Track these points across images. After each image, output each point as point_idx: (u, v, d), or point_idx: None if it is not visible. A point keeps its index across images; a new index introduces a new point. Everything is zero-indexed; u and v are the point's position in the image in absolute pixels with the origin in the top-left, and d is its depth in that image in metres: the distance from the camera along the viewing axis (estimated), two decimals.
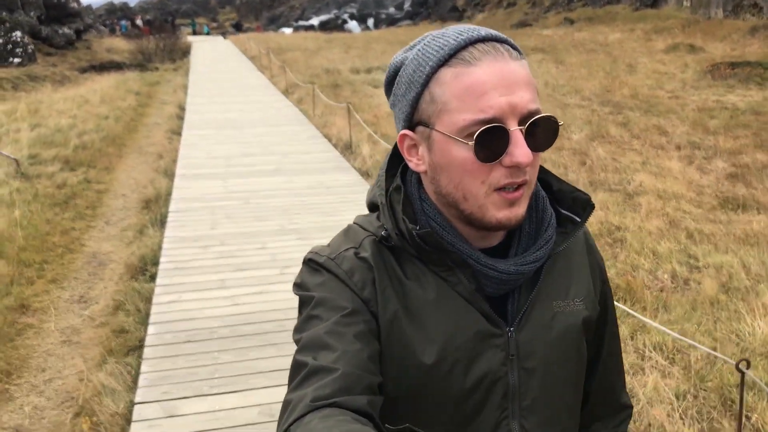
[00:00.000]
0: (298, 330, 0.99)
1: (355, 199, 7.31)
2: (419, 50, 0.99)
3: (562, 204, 1.10)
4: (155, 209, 7.09)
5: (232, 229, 6.28)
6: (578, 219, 1.08)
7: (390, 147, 7.47)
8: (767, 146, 9.36)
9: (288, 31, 63.06)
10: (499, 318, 1.03)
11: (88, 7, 48.63)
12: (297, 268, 5.26)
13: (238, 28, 64.53)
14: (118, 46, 35.70)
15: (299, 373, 0.91)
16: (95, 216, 7.41)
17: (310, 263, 1.05)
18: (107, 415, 3.48)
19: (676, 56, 21.14)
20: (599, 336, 1.19)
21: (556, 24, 39.72)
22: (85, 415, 3.59)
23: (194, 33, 56.46)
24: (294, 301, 4.13)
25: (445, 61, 0.94)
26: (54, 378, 4.23)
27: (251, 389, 3.63)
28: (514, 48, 0.97)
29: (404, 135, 1.02)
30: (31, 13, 31.65)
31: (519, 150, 0.92)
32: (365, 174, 8.55)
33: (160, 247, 5.83)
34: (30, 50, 26.56)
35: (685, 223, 6.58)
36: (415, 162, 1.02)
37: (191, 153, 9.71)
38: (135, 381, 3.81)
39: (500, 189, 0.95)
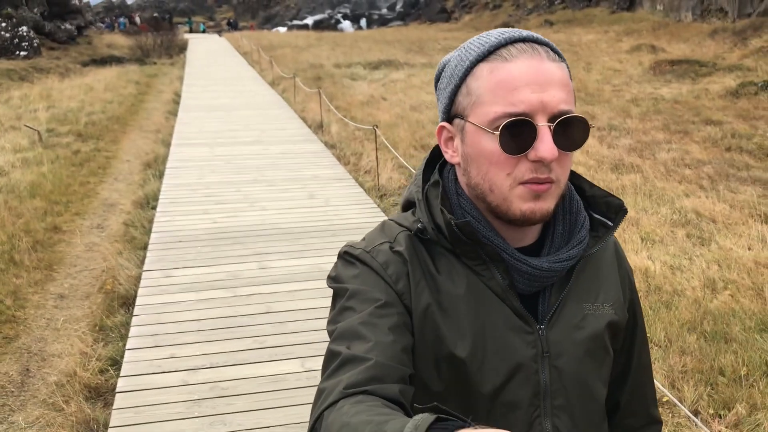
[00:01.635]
0: (332, 321, 1.02)
1: (317, 161, 9.07)
2: (464, 48, 1.03)
3: (594, 208, 1.12)
4: (155, 167, 8.82)
5: (215, 179, 8.02)
6: (611, 223, 1.09)
7: (357, 126, 9.33)
8: (669, 128, 11.13)
9: (282, 29, 64.72)
10: (530, 316, 1.05)
11: (87, 5, 50.28)
12: (263, 203, 7.02)
13: (234, 26, 66.04)
14: (118, 41, 37.33)
15: (333, 362, 0.93)
16: (106, 174, 9.12)
17: (345, 256, 1.07)
18: (124, 277, 5.21)
19: (636, 56, 22.87)
20: (629, 345, 1.20)
21: (537, 25, 41.39)
22: (109, 278, 5.31)
23: (191, 31, 58.22)
24: (258, 218, 6.07)
25: (484, 57, 0.99)
26: (83, 270, 5.94)
27: (221, 264, 5.38)
28: (555, 51, 1.00)
29: (442, 127, 1.06)
30: (35, 10, 33.15)
31: (544, 145, 0.94)
32: (331, 146, 10.28)
33: (159, 190, 7.56)
34: (35, 44, 28.15)
35: None
36: (451, 153, 1.06)
37: (185, 129, 11.46)
38: (142, 262, 5.55)
39: (525, 183, 0.97)
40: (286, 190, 7.53)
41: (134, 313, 4.58)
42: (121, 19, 60.11)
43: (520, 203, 0.98)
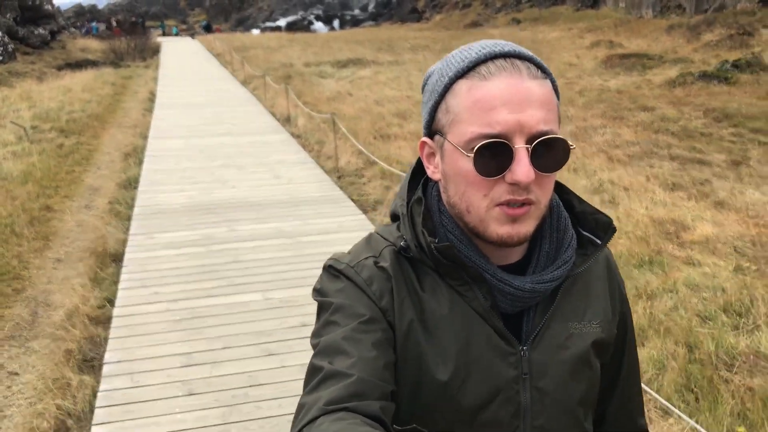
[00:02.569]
0: (315, 335, 1.01)
1: (283, 149, 10.00)
2: (445, 61, 1.02)
3: (583, 225, 1.11)
4: (134, 156, 9.68)
5: (190, 165, 8.92)
6: (599, 241, 1.08)
7: (321, 115, 10.38)
8: (606, 115, 12.20)
9: (256, 32, 65.35)
10: (513, 336, 1.04)
11: (58, 9, 50.63)
12: (233, 183, 7.93)
13: (208, 29, 66.45)
14: (91, 46, 37.82)
15: (315, 377, 0.93)
16: (89, 164, 9.96)
17: (330, 270, 1.07)
18: (113, 240, 6.10)
19: (595, 51, 24.01)
20: (618, 358, 1.20)
21: (504, 24, 42.57)
22: (100, 242, 6.20)
23: (164, 34, 58.80)
24: (229, 194, 7.15)
25: (463, 73, 0.98)
26: (75, 240, 6.80)
27: (196, 229, 6.31)
28: (539, 67, 0.99)
29: (423, 142, 1.07)
30: (8, 15, 33.57)
31: (520, 168, 0.93)
32: (297, 136, 11.20)
33: (139, 174, 8.44)
34: (10, 49, 28.69)
35: None
36: (432, 169, 1.06)
37: (161, 124, 12.33)
38: (128, 229, 6.44)
39: (502, 204, 0.96)
40: (254, 172, 8.45)
41: (123, 265, 5.49)
42: (93, 24, 60.40)
43: (497, 226, 0.98)
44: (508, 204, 0.96)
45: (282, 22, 76.02)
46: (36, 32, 34.58)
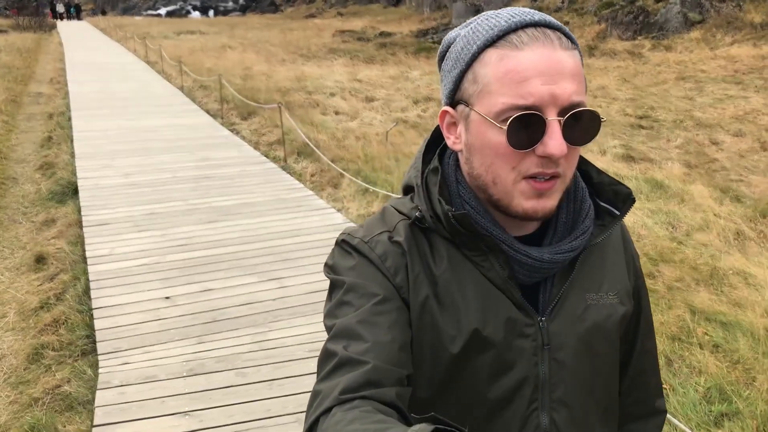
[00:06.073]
0: (329, 315, 1.02)
1: (135, 66, 22.11)
2: (471, 28, 1.00)
3: (601, 196, 1.10)
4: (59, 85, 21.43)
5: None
6: (617, 212, 1.08)
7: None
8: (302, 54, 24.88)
9: (138, 18, 74.65)
10: (531, 307, 1.04)
11: None
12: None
13: (77, 11, 73.02)
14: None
15: (329, 363, 0.94)
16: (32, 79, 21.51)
17: (343, 245, 1.07)
18: (62, 108, 18.10)
19: (354, 34, 36.66)
20: (632, 333, 1.20)
21: (331, 17, 54.42)
22: (54, 108, 18.16)
23: (54, 17, 67.81)
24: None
25: (492, 42, 0.96)
26: (34, 105, 18.61)
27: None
28: (568, 37, 0.97)
29: (445, 112, 1.05)
30: None
31: (553, 141, 0.92)
32: (146, 61, 23.20)
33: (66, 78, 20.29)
34: None
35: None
36: (453, 140, 1.04)
37: (72, 56, 24.14)
38: (68, 107, 18.49)
39: (530, 177, 0.96)
40: (128, 80, 20.44)
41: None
42: None
43: (522, 200, 0.98)
44: (535, 177, 0.96)
45: (163, 11, 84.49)
46: None
